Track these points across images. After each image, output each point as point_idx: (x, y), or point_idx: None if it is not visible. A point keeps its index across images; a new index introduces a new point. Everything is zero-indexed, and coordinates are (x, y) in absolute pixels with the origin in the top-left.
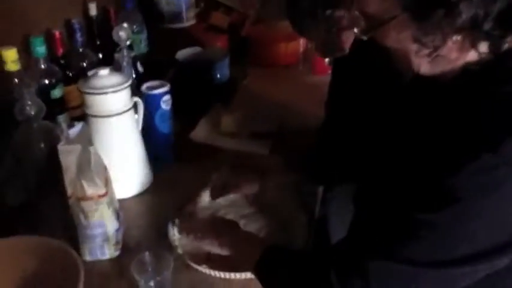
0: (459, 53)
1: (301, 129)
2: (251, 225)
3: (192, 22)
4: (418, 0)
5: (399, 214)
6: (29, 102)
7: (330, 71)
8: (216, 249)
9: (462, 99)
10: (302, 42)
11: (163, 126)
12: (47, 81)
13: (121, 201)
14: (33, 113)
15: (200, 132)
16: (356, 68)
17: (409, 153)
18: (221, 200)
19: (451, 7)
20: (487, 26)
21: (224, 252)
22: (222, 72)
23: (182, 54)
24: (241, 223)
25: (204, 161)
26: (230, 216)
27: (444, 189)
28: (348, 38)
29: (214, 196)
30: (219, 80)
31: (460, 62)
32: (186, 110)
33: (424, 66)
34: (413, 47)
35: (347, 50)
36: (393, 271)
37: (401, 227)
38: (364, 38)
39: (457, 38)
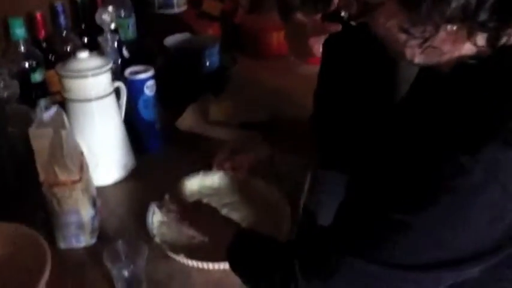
0: (453, 45)
1: (292, 120)
2: (233, 214)
3: (183, 8)
4: None
5: (376, 212)
6: (1, 84)
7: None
8: (194, 233)
9: (450, 96)
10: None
11: (147, 113)
12: (27, 65)
13: (101, 188)
14: (5, 95)
15: (186, 121)
16: (347, 58)
17: (394, 150)
18: (205, 189)
19: None
20: (482, 16)
21: (202, 237)
22: (212, 59)
23: (171, 40)
24: (223, 212)
25: (189, 150)
26: (212, 204)
27: (420, 191)
28: (317, 43)
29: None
30: (209, 68)
31: (455, 55)
32: (174, 98)
33: (417, 56)
34: (402, 36)
35: (318, 54)
36: (361, 272)
37: (375, 226)
38: (353, 23)
39: (451, 28)
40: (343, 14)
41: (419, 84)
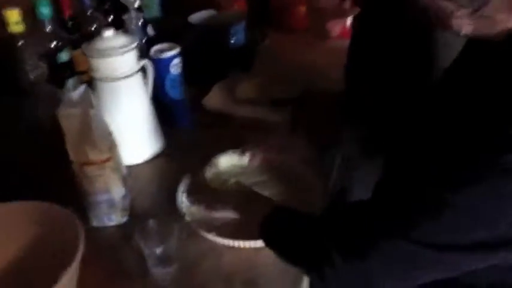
0: (509, 14)
1: (323, 94)
2: (265, 192)
3: None
4: None
5: (417, 191)
6: (30, 65)
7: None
8: (226, 213)
9: (501, 66)
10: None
11: (174, 92)
12: (53, 45)
13: (131, 167)
14: (34, 76)
15: (213, 99)
16: (379, 30)
17: (437, 124)
18: (234, 167)
19: None
20: None
21: (232, 217)
22: (238, 36)
23: (196, 17)
24: (255, 189)
25: (218, 128)
26: (243, 183)
27: (465, 167)
28: (335, 25)
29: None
30: (234, 45)
31: (509, 25)
32: (201, 76)
33: (465, 27)
34: (449, 6)
35: (334, 35)
36: (400, 251)
37: (416, 206)
38: None
39: None
40: None
41: (467, 55)
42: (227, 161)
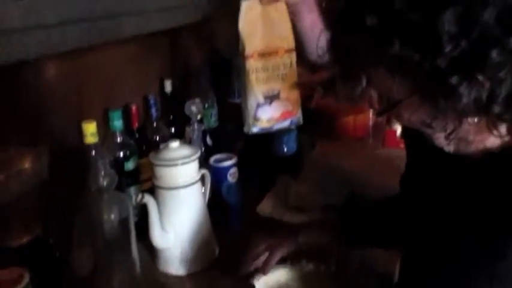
0: (476, 135)
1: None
2: None
3: None
4: (425, 83)
5: None
6: (103, 173)
7: (401, 145)
8: None
9: (491, 181)
10: (372, 115)
11: (230, 198)
12: (121, 154)
13: (186, 277)
14: (105, 183)
15: (267, 207)
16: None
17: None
18: (293, 281)
19: (451, 90)
20: (496, 109)
21: None
22: (289, 145)
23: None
24: None
25: (270, 235)
26: None
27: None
28: None
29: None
30: (286, 153)
31: (481, 146)
32: (253, 182)
33: (446, 147)
34: (427, 130)
35: None
36: None
37: None
38: (379, 118)
39: (472, 120)
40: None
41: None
42: (285, 274)
